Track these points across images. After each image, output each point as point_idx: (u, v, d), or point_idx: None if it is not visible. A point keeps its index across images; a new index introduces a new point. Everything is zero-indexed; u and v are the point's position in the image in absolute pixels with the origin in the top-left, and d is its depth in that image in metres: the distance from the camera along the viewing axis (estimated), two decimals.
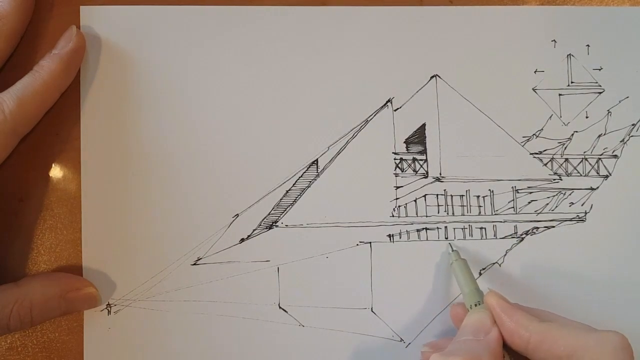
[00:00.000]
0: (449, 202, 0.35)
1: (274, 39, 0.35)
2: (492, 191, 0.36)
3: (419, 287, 0.35)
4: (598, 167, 0.36)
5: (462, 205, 0.35)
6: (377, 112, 0.35)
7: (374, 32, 0.35)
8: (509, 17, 0.36)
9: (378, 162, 0.35)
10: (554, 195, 0.36)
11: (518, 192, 0.36)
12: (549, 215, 0.36)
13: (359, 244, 0.35)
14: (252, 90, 0.35)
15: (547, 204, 0.36)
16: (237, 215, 0.34)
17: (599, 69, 0.36)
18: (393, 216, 0.35)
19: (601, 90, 0.36)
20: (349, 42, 0.35)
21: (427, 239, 0.35)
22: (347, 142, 0.35)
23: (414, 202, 0.35)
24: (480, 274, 0.35)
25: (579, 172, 0.36)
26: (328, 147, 0.35)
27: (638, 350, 0.27)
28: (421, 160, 0.35)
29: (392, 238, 0.35)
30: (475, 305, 0.31)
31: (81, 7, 0.34)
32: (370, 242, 0.35)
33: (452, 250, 0.34)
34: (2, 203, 0.33)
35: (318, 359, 0.34)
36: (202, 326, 0.34)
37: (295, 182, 0.35)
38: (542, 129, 0.36)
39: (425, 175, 0.35)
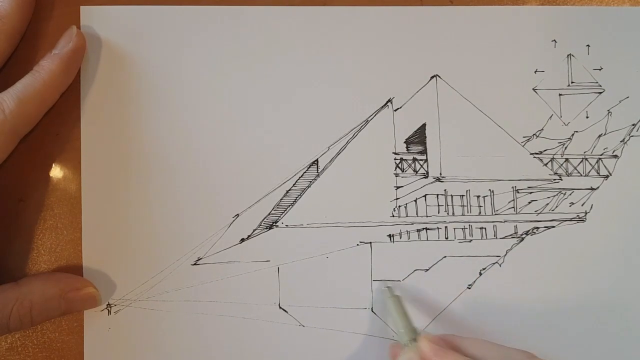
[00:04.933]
0: (449, 202, 0.35)
1: (275, 39, 0.35)
2: (492, 191, 0.36)
3: (419, 287, 0.35)
4: (598, 167, 0.36)
5: (463, 205, 0.35)
6: (377, 112, 0.35)
7: (374, 32, 0.35)
8: (509, 17, 0.36)
9: (378, 162, 0.35)
10: (554, 195, 0.36)
11: (518, 192, 0.36)
12: (549, 215, 0.36)
13: (359, 244, 0.35)
14: (253, 90, 0.35)
15: (547, 204, 0.36)
16: (237, 215, 0.34)
17: (599, 69, 0.36)
18: (393, 216, 0.35)
19: (601, 90, 0.36)
20: (349, 42, 0.35)
21: (427, 239, 0.35)
22: (347, 142, 0.35)
23: (414, 202, 0.35)
24: (480, 274, 0.35)
25: (579, 172, 0.36)
26: (328, 147, 0.35)
27: None
28: (421, 160, 0.35)
29: (392, 238, 0.35)
30: (409, 342, 0.31)
31: (81, 7, 0.34)
32: (370, 242, 0.35)
33: (386, 287, 0.34)
34: (2, 203, 0.33)
35: (318, 359, 0.34)
36: (202, 326, 0.34)
37: (296, 182, 0.35)
38: (542, 129, 0.36)
39: (426, 175, 0.35)
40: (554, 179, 0.36)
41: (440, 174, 0.35)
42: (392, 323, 0.33)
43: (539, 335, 0.35)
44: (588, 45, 0.36)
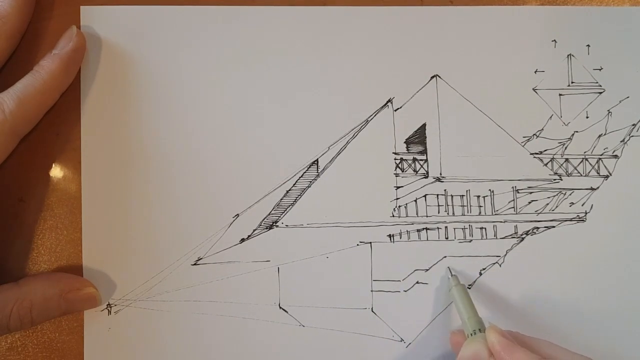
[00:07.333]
0: (449, 202, 0.35)
1: (274, 38, 0.35)
2: (493, 191, 0.36)
3: (419, 287, 0.35)
4: (598, 167, 0.36)
5: (463, 205, 0.35)
6: (377, 112, 0.35)
7: (374, 32, 0.35)
8: (509, 17, 0.36)
9: (378, 162, 0.35)
10: (554, 195, 0.36)
11: (518, 192, 0.36)
12: (549, 215, 0.36)
13: (359, 244, 0.35)
14: (253, 90, 0.35)
15: (548, 204, 0.36)
16: (238, 215, 0.34)
17: (599, 69, 0.36)
18: (393, 216, 0.35)
19: (601, 90, 0.36)
20: (349, 42, 0.35)
21: (427, 239, 0.35)
22: (348, 142, 0.35)
23: (414, 202, 0.35)
24: (480, 274, 0.35)
25: (579, 172, 0.36)
26: (328, 147, 0.35)
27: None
28: (421, 160, 0.35)
29: (392, 238, 0.35)
30: (474, 333, 0.30)
31: (81, 7, 0.34)
32: (370, 242, 0.35)
33: (452, 275, 0.34)
34: (2, 203, 0.33)
35: (318, 359, 0.34)
36: (202, 326, 0.34)
37: (296, 182, 0.35)
38: (542, 129, 0.36)
39: (426, 175, 0.35)
40: (554, 179, 0.36)
41: (440, 174, 0.35)
42: (457, 312, 0.33)
43: (538, 336, 0.35)
44: (588, 45, 0.36)
